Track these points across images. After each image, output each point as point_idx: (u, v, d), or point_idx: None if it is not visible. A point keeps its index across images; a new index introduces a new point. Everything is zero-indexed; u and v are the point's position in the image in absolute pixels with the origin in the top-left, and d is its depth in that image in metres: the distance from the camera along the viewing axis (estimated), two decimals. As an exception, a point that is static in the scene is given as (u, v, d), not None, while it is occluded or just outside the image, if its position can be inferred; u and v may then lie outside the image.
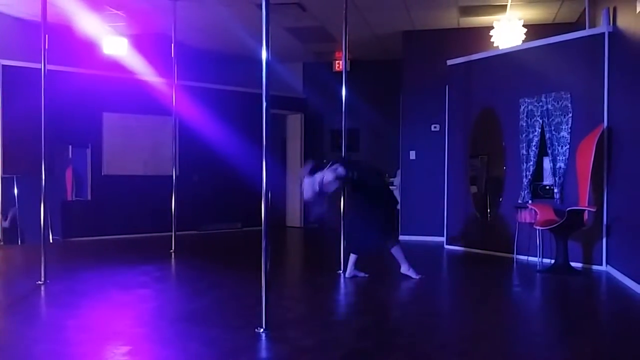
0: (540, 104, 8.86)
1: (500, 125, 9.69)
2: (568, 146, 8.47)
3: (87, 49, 11.41)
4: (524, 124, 9.09)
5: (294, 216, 14.86)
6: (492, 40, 10.04)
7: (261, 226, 4.98)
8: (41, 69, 7.22)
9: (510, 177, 9.51)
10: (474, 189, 10.32)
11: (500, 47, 9.92)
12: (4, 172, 10.61)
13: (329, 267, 8.14)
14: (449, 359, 4.37)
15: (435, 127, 11.63)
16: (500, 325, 5.39)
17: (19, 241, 10.52)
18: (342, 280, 7.54)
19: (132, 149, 12.06)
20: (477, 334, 5.01)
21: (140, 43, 11.80)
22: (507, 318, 5.74)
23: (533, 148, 8.95)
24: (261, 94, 5.03)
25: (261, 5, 5.02)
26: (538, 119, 8.90)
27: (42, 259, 7.06)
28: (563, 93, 8.58)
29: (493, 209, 9.94)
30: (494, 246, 9.64)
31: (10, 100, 10.54)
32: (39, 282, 6.93)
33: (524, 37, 9.75)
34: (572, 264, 7.99)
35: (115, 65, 11.62)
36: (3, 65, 10.59)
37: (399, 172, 12.50)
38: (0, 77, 10.56)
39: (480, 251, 9.87)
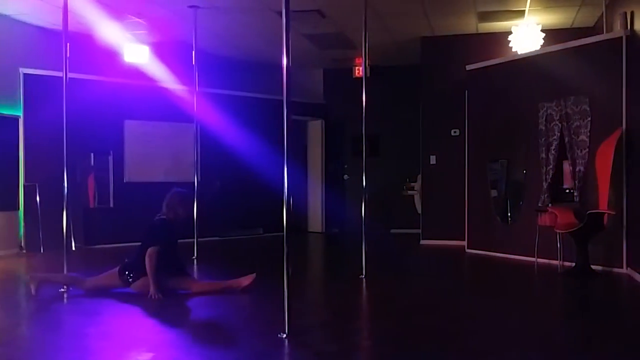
0: (560, 108, 8.89)
1: (520, 129, 9.73)
2: (587, 149, 8.49)
3: (108, 57, 11.41)
4: (543, 128, 9.13)
5: (315, 221, 14.94)
6: (510, 45, 10.07)
7: (283, 232, 4.96)
8: (63, 77, 7.23)
9: (530, 180, 9.54)
10: (494, 192, 10.34)
11: (519, 52, 9.93)
12: (26, 179, 10.70)
13: (350, 272, 8.13)
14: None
15: (455, 132, 11.67)
16: (522, 330, 5.35)
17: (42, 249, 10.53)
18: (364, 285, 7.55)
19: (154, 156, 12.11)
20: (500, 340, 4.99)
21: (161, 51, 11.80)
22: (529, 323, 5.66)
23: (552, 152, 8.98)
24: (282, 100, 5.01)
25: (281, 12, 5.04)
26: (557, 122, 8.93)
27: (65, 266, 7.11)
28: (582, 97, 8.61)
29: (513, 212, 9.96)
30: (515, 250, 9.65)
31: (32, 109, 10.64)
32: (62, 289, 6.88)
33: (542, 42, 9.75)
34: (593, 266, 8.00)
35: (136, 73, 11.63)
36: (25, 74, 10.69)
37: (419, 176, 12.53)
38: (23, 86, 10.68)
39: (501, 255, 9.88)
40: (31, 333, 5.47)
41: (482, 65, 10.53)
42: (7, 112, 10.51)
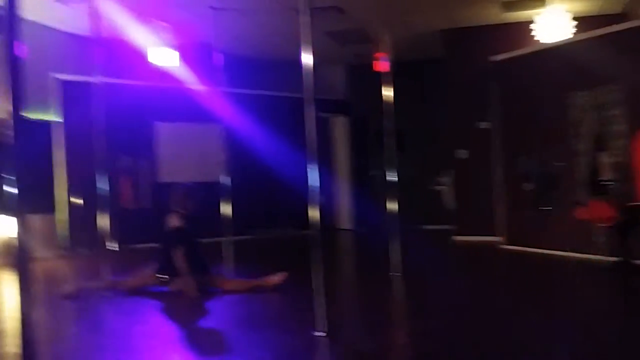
0: (591, 97, 8.65)
1: (552, 120, 9.50)
2: (624, 139, 8.24)
3: (136, 60, 11.67)
4: (576, 119, 8.91)
5: (344, 218, 14.91)
6: (532, 34, 9.84)
7: (312, 229, 5.01)
8: (96, 82, 7.51)
9: (565, 173, 9.31)
10: (528, 186, 10.07)
11: (544, 41, 9.70)
12: (68, 182, 11.16)
13: (382, 269, 7.98)
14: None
15: (483, 125, 11.41)
16: (563, 329, 5.13)
17: (81, 250, 10.88)
18: (397, 282, 7.45)
19: (184, 157, 12.37)
20: (540, 338, 4.77)
21: (185, 53, 11.99)
22: (571, 321, 5.44)
23: (587, 143, 8.76)
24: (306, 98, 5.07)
25: (301, 10, 5.07)
26: (590, 112, 8.67)
27: (104, 265, 7.31)
28: (614, 85, 8.40)
29: (549, 206, 9.67)
30: (551, 245, 9.42)
31: (67, 114, 11.10)
32: (101, 291, 7.00)
33: (574, 30, 9.50)
34: (636, 261, 7.69)
35: (163, 76, 11.88)
36: (58, 80, 11.09)
37: (448, 171, 12.30)
38: (57, 92, 11.11)
39: (537, 250, 9.65)
40: (75, 333, 5.63)
41: (508, 56, 10.30)
42: (40, 117, 10.84)
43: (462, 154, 11.73)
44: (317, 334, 4.82)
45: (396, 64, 12.74)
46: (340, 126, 14.97)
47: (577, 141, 8.89)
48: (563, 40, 9.45)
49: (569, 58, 9.16)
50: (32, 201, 9.19)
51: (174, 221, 6.97)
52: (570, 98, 8.98)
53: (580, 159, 8.86)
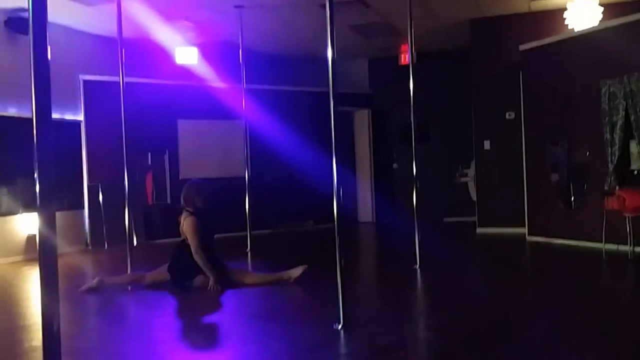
0: (623, 85, 8.45)
1: (581, 109, 9.30)
2: (656, 128, 8.04)
3: (160, 59, 11.89)
4: (607, 107, 8.70)
5: (365, 211, 14.83)
6: (566, 22, 9.65)
7: (333, 223, 4.97)
8: (120, 81, 7.54)
9: (594, 163, 9.11)
10: (555, 176, 9.92)
11: (576, 29, 9.52)
12: (89, 180, 11.39)
13: (404, 262, 7.92)
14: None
15: (510, 115, 11.25)
16: (591, 323, 5.00)
17: (105, 245, 11.12)
18: (418, 275, 7.35)
19: (206, 153, 12.46)
20: (565, 333, 4.65)
21: (209, 51, 12.15)
22: (598, 315, 5.27)
23: (618, 132, 8.55)
24: (328, 93, 5.02)
25: (325, 5, 4.99)
26: (621, 100, 8.49)
27: (128, 261, 7.45)
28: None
29: (577, 197, 9.53)
30: (579, 236, 9.22)
31: (92, 113, 11.32)
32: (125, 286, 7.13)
33: (601, 16, 9.31)
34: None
35: (187, 74, 12.03)
36: (84, 80, 11.30)
37: (472, 162, 12.17)
38: (83, 92, 11.32)
39: (565, 241, 9.46)
40: (98, 325, 5.73)
41: (537, 45, 10.10)
42: (69, 117, 11.17)
43: (488, 145, 11.58)
44: (337, 327, 4.76)
45: (421, 55, 12.70)
46: (362, 119, 14.86)
47: (607, 130, 8.68)
48: (593, 28, 9.25)
49: (599, 45, 8.95)
50: (63, 198, 9.41)
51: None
52: (601, 86, 8.75)
53: (610, 148, 8.66)
